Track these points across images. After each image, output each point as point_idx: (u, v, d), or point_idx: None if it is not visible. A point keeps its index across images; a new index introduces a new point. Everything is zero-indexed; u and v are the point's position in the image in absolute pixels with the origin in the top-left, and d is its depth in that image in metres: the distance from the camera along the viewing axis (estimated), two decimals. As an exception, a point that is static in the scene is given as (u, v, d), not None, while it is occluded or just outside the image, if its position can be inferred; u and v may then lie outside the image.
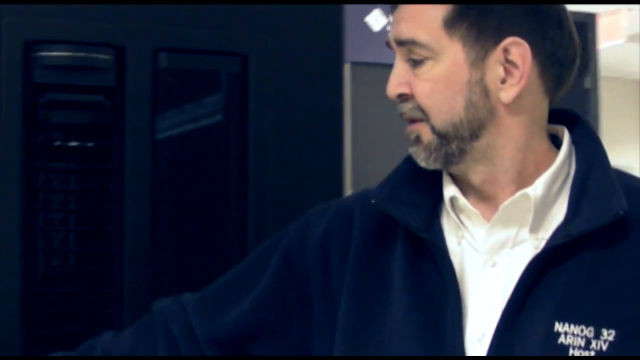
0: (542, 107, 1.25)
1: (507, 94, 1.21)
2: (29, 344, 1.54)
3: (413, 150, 1.24)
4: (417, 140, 1.23)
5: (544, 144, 1.26)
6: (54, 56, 1.56)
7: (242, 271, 1.37)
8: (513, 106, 1.21)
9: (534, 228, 1.22)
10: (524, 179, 1.23)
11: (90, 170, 1.59)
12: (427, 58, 1.21)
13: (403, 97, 1.23)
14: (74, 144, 1.58)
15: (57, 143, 1.57)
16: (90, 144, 1.58)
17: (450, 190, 1.25)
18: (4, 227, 1.53)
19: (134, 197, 1.59)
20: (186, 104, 1.68)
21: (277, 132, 1.69)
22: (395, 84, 1.23)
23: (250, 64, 1.67)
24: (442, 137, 1.21)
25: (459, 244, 1.24)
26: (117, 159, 1.58)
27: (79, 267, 1.59)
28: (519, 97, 1.21)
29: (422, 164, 1.24)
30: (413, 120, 1.23)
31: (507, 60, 1.20)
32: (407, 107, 1.23)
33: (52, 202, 1.58)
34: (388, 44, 1.26)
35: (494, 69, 1.20)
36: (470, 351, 1.19)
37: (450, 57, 1.20)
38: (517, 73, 1.20)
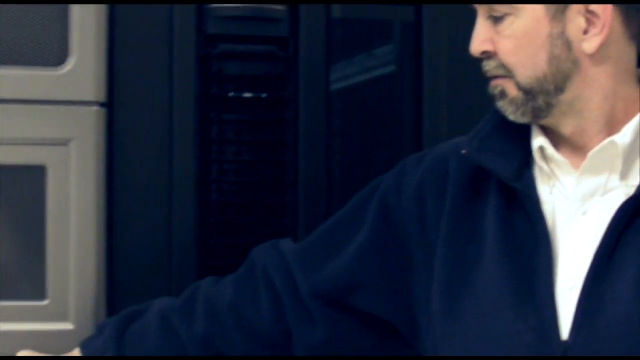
0: (629, 54, 1.24)
1: (590, 44, 1.20)
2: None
3: (500, 105, 1.26)
4: (502, 94, 1.24)
5: (634, 90, 1.24)
6: (227, 8, 1.56)
7: (340, 222, 1.40)
8: (597, 56, 1.21)
9: (624, 175, 1.21)
10: (613, 127, 1.22)
11: (264, 121, 1.58)
12: (507, 14, 1.21)
13: (486, 55, 1.25)
14: (247, 95, 1.57)
15: (231, 94, 1.57)
16: (264, 95, 1.57)
17: (539, 140, 1.25)
18: (180, 179, 1.54)
19: (308, 148, 1.57)
20: (359, 54, 1.66)
21: (451, 83, 1.65)
22: (478, 42, 1.24)
23: (424, 13, 1.63)
24: (528, 92, 1.22)
25: (551, 193, 1.25)
26: (291, 110, 1.56)
27: (253, 219, 1.58)
28: (602, 46, 1.20)
29: (511, 117, 1.25)
30: (497, 77, 1.24)
31: (588, 11, 1.19)
32: (491, 65, 1.24)
33: (226, 153, 1.59)
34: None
35: (575, 21, 1.20)
36: (561, 301, 1.19)
37: (530, 12, 1.20)
38: (598, 23, 1.19)
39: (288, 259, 1.39)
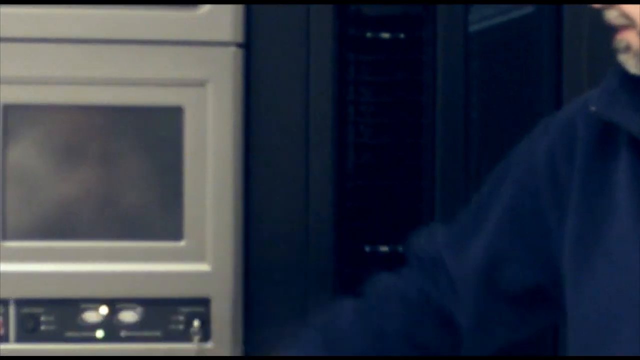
0: None
1: None
2: (341, 237, 1.55)
3: (623, 59, 1.17)
4: (627, 48, 1.15)
5: None
6: (364, -52, 1.55)
7: (480, 202, 1.35)
8: None
9: None
10: None
11: (401, 61, 1.56)
12: None
13: (606, 5, 1.15)
14: (385, 35, 1.56)
15: (369, 35, 1.55)
16: (401, 36, 1.56)
17: None
18: (316, 120, 1.53)
19: (446, 89, 1.56)
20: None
21: (593, 24, 1.60)
22: None
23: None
24: None
25: None
26: (429, 51, 1.54)
27: (390, 161, 1.57)
28: None
29: (633, 70, 1.16)
30: (619, 28, 1.15)
31: None
32: (612, 15, 1.15)
33: (363, 94, 1.58)
34: None
35: None
36: None
37: None
38: None
39: (441, 248, 1.36)
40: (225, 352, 1.51)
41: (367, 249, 1.57)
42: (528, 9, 1.64)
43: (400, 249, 1.56)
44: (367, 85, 1.57)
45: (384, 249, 1.57)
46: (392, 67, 1.57)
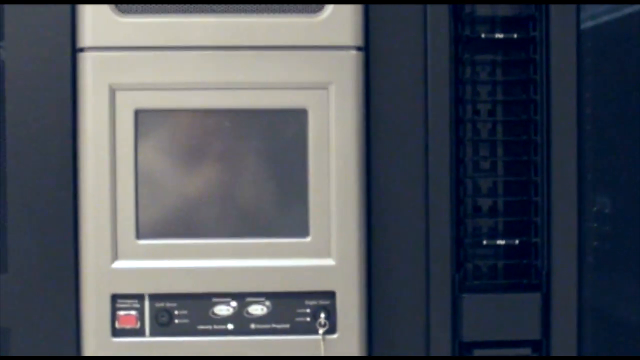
0: None
1: None
2: (459, 232, 1.59)
3: None
4: None
5: None
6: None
7: None
8: None
9: None
10: None
11: (515, 61, 1.60)
12: None
13: None
14: (499, 36, 1.59)
15: (483, 36, 1.60)
16: (515, 36, 1.59)
17: None
18: (434, 117, 1.59)
19: (559, 87, 1.59)
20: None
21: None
22: None
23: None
24: None
25: None
26: (541, 50, 1.58)
27: (505, 157, 1.63)
28: None
29: None
30: None
31: None
32: None
33: (479, 94, 1.62)
34: None
35: None
36: None
37: None
38: None
39: None
40: (350, 343, 1.57)
41: (485, 242, 1.60)
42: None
43: (516, 242, 1.60)
44: (483, 85, 1.61)
45: (500, 242, 1.60)
46: (507, 66, 1.61)
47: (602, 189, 1.71)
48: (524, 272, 1.62)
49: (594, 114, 1.64)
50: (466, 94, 1.60)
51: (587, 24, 1.62)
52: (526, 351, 1.60)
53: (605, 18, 1.65)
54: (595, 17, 1.64)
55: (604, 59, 1.65)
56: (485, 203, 1.63)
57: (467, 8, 1.59)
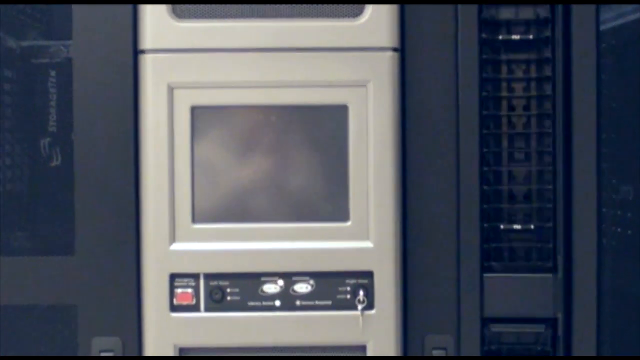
0: None
1: None
2: (484, 217, 1.72)
3: None
4: None
5: None
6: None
7: None
8: None
9: None
10: None
11: (535, 60, 1.73)
12: None
13: None
14: (516, 37, 1.71)
15: (501, 37, 1.72)
16: (530, 37, 1.71)
17: None
18: (465, 114, 1.71)
19: (579, 85, 1.70)
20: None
21: None
22: None
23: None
24: None
25: None
26: (560, 49, 1.70)
27: (525, 148, 1.74)
28: None
29: None
30: None
31: None
32: None
33: (502, 89, 1.74)
34: None
35: None
36: None
37: None
38: None
39: None
40: (387, 318, 1.70)
41: (502, 226, 1.73)
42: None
43: (532, 226, 1.73)
44: (504, 82, 1.73)
45: (517, 227, 1.73)
46: (527, 65, 1.73)
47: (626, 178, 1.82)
48: (542, 255, 1.74)
49: (611, 115, 1.74)
50: (489, 91, 1.72)
51: (608, 25, 1.71)
52: (540, 328, 1.71)
53: (627, 18, 1.74)
54: (616, 18, 1.72)
55: (624, 58, 1.74)
56: (515, 190, 1.75)
57: (490, 12, 1.71)
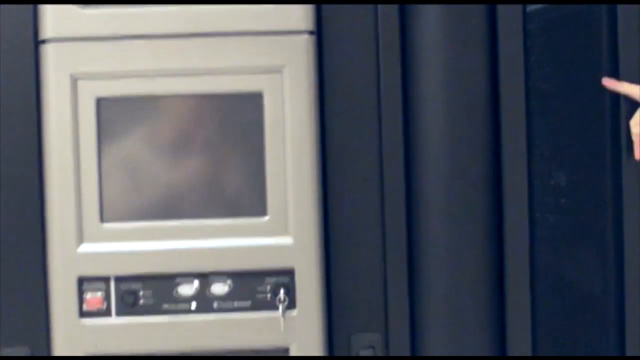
0: None
1: None
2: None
3: None
4: None
5: None
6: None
7: None
8: None
9: None
10: None
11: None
12: None
13: None
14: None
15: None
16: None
17: None
18: (387, 100, 1.63)
19: (506, 68, 1.64)
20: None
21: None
22: None
23: None
24: None
25: None
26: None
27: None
28: None
29: None
30: None
31: None
32: None
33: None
34: None
35: None
36: None
37: None
38: None
39: None
40: (310, 318, 1.61)
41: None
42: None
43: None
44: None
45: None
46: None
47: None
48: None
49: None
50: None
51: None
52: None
53: None
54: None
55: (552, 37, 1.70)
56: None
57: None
